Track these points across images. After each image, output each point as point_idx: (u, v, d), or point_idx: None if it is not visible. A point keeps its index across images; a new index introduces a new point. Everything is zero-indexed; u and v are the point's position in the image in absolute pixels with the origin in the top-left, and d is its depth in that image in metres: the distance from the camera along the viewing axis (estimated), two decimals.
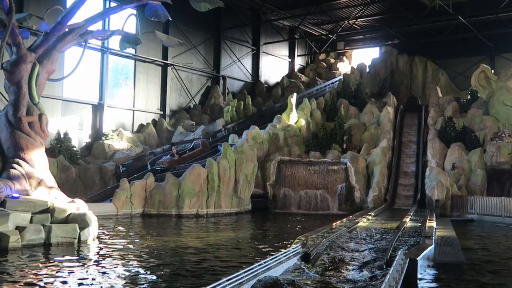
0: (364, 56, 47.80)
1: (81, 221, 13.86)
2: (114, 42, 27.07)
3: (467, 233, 18.31)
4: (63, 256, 11.80)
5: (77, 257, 11.94)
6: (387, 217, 20.38)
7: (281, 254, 9.36)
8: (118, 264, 11.00)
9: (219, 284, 6.72)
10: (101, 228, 15.59)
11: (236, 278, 7.25)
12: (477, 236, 17.79)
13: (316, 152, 28.48)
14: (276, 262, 8.87)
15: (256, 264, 8.21)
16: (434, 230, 14.35)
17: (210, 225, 19.77)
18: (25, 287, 8.71)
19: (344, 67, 47.58)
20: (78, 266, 10.75)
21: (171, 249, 13.34)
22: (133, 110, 32.36)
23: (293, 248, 10.12)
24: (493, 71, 30.60)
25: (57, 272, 10.01)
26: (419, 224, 16.92)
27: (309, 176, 26.82)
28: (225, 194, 23.42)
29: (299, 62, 48.24)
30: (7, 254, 11.78)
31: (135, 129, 32.06)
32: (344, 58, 49.95)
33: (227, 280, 6.95)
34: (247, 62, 42.25)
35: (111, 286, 8.92)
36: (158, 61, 33.74)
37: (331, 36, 44.79)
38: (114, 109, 30.97)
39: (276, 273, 8.51)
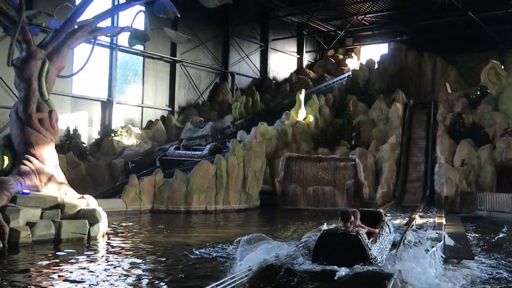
0: (372, 52, 47.58)
1: (91, 217, 13.96)
2: (123, 39, 26.99)
3: (477, 230, 18.22)
4: (73, 252, 11.87)
5: (87, 253, 12.02)
6: (396, 214, 20.32)
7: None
8: (127, 260, 11.06)
9: (227, 280, 6.75)
10: (110, 224, 15.66)
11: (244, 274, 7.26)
12: (486, 232, 17.68)
13: (325, 148, 28.44)
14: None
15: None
16: (443, 227, 14.30)
17: (218, 221, 19.82)
18: (35, 282, 8.78)
19: (352, 63, 47.43)
20: (87, 262, 10.82)
21: (180, 245, 13.40)
22: (142, 107, 32.44)
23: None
24: (502, 67, 30.40)
25: (66, 268, 10.08)
26: (428, 220, 16.86)
27: (318, 173, 26.75)
28: (234, 191, 23.46)
29: (307, 58, 48.11)
30: (18, 249, 11.88)
31: (143, 125, 32.14)
32: (353, 54, 49.75)
33: (232, 277, 6.97)
34: (256, 58, 42.21)
35: (120, 282, 8.97)
36: (166, 57, 33.79)
37: (339, 32, 44.62)
38: (123, 106, 31.08)
39: None
